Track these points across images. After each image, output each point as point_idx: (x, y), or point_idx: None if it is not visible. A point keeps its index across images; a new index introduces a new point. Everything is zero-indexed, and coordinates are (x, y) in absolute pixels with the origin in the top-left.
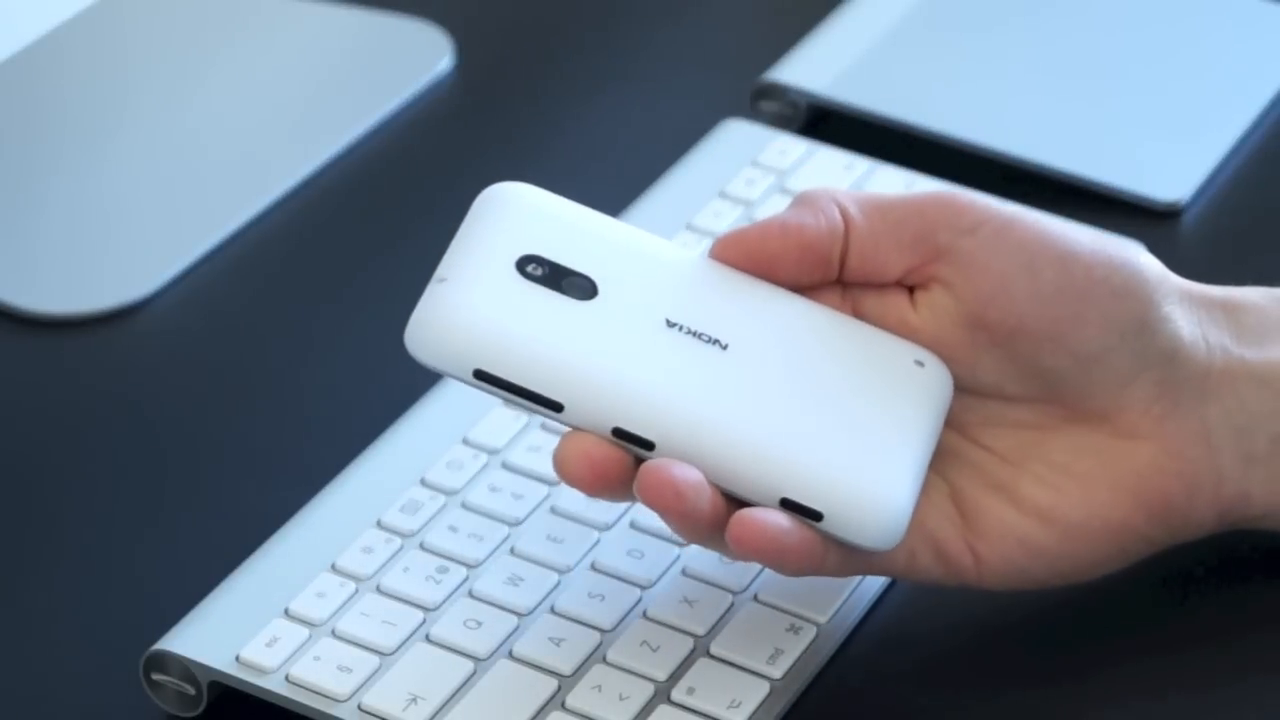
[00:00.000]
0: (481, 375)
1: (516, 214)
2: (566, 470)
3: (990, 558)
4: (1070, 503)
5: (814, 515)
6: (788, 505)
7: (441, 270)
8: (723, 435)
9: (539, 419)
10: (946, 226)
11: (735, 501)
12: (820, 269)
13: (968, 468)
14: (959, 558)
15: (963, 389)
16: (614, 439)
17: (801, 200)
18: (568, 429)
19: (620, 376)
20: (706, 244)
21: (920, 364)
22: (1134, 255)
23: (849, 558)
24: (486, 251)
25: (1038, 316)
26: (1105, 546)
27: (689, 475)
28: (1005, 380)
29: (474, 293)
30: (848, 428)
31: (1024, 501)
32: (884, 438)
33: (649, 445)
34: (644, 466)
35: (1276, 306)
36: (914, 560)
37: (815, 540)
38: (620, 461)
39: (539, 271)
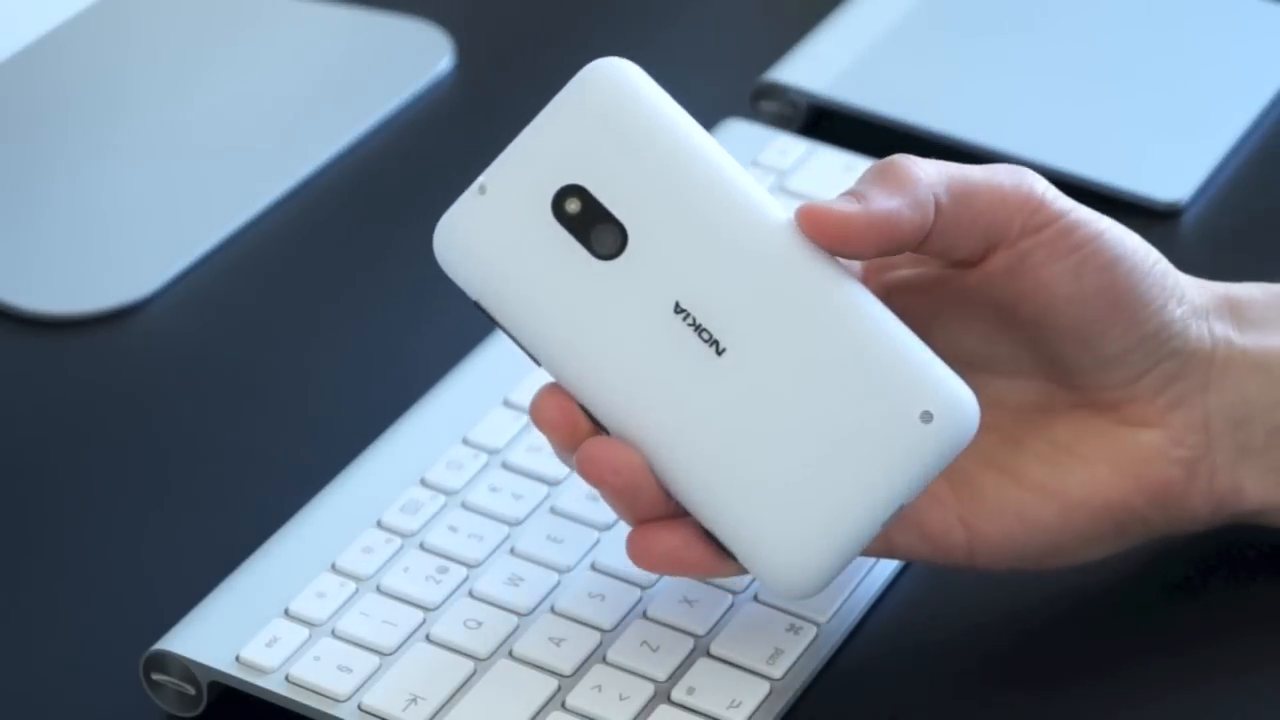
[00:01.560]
0: (479, 307)
1: (597, 113)
2: (542, 413)
3: (987, 532)
4: (1071, 479)
5: (730, 555)
6: (710, 536)
7: (487, 176)
8: (671, 452)
9: None
10: (1019, 225)
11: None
12: (896, 254)
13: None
14: (947, 536)
15: (974, 365)
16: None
17: (894, 178)
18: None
19: (599, 361)
20: (789, 203)
21: (928, 417)
22: (1156, 258)
23: None
24: (537, 168)
25: (1070, 316)
26: (1104, 525)
27: (628, 458)
28: (1020, 361)
29: (501, 221)
30: (802, 479)
31: (1024, 476)
32: (838, 497)
33: (604, 430)
34: (586, 442)
35: (1274, 300)
36: (892, 545)
37: (717, 560)
38: (589, 427)
39: (574, 208)
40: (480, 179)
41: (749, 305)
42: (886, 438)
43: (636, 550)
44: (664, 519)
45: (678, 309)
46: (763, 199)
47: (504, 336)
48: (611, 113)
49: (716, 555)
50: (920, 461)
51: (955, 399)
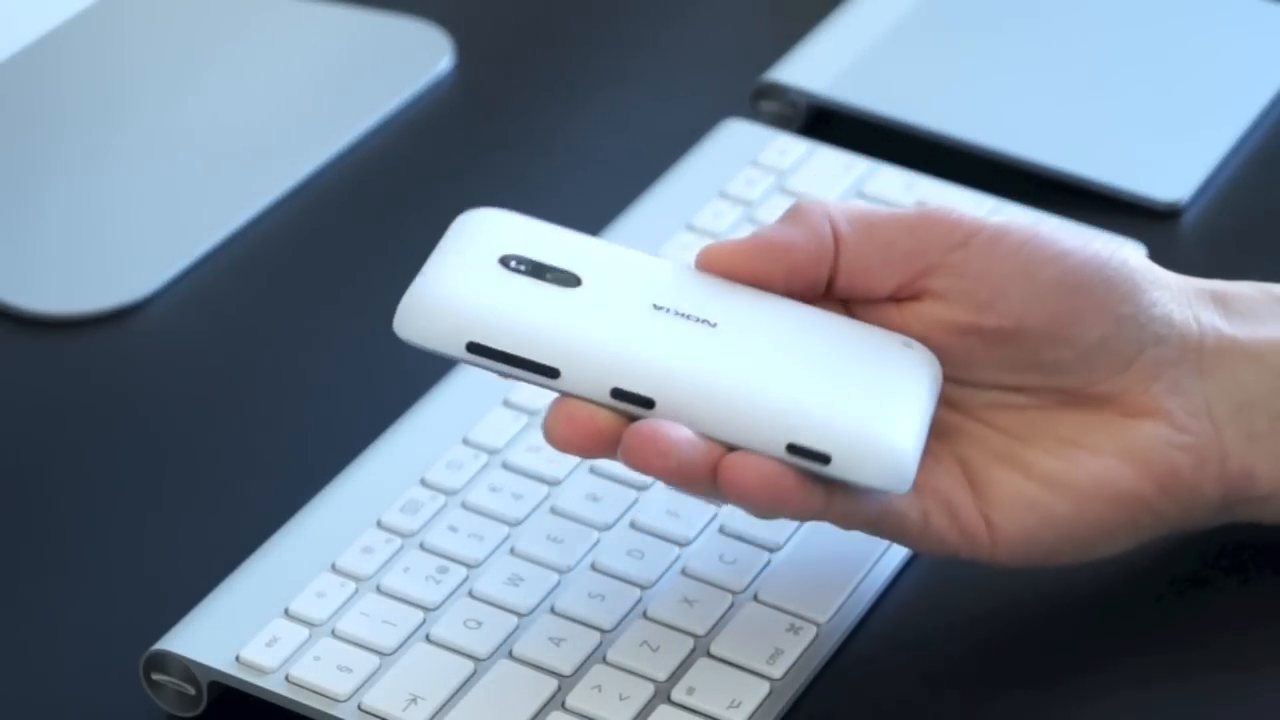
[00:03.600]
0: (475, 348)
1: (494, 229)
2: (556, 434)
3: (1004, 525)
4: (1080, 470)
5: (822, 458)
6: (795, 450)
7: (425, 269)
8: (725, 386)
9: (538, 421)
10: (937, 244)
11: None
12: (807, 289)
13: (975, 442)
14: (973, 524)
15: (964, 385)
16: (612, 401)
17: (794, 214)
18: (556, 395)
19: (615, 340)
20: (692, 253)
21: (908, 346)
22: (1119, 248)
23: (858, 508)
24: (468, 253)
25: (1036, 316)
26: (1116, 515)
27: (675, 431)
28: (1003, 376)
29: (461, 278)
30: (849, 379)
31: (1034, 470)
32: (886, 389)
33: (648, 403)
34: (629, 429)
35: (1263, 295)
36: (928, 523)
37: (811, 484)
38: (610, 422)
39: (522, 267)
40: (420, 273)
41: (715, 299)
42: (893, 358)
43: (732, 476)
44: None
45: (656, 308)
46: (663, 259)
47: (501, 379)
48: (503, 224)
49: (806, 483)
50: (927, 376)
51: (914, 340)
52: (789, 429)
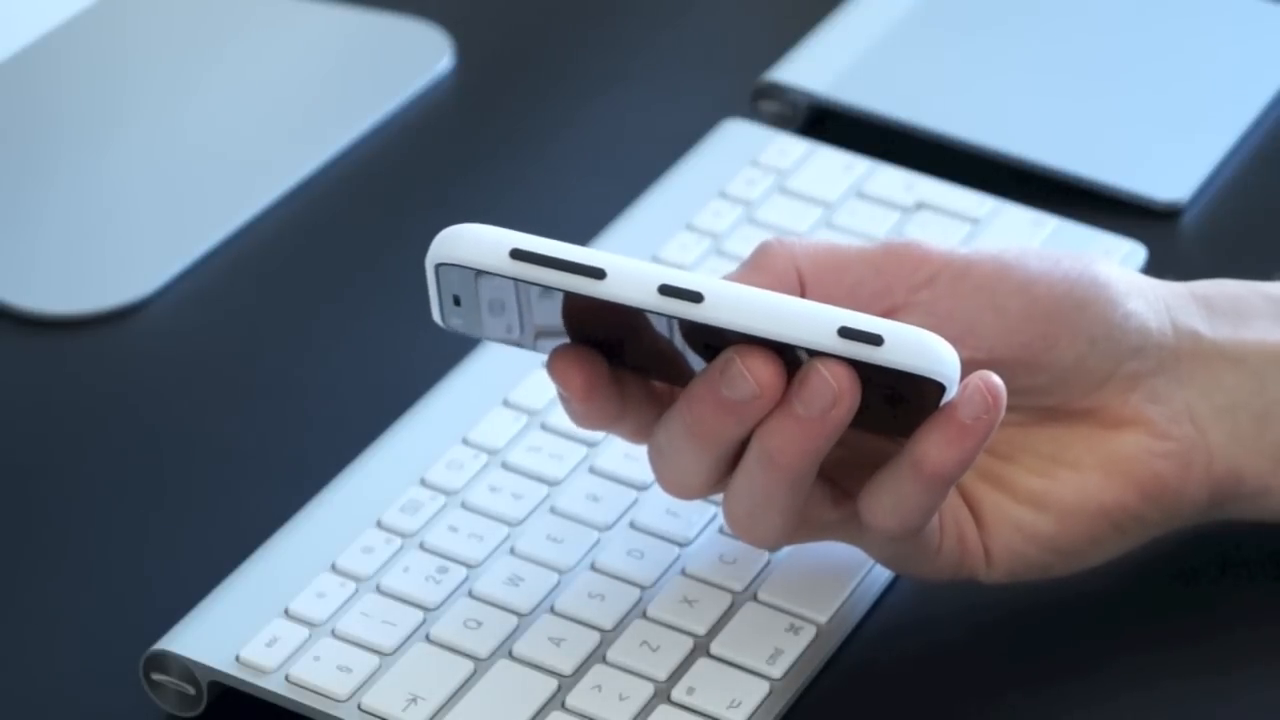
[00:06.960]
0: (519, 254)
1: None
2: (559, 370)
3: (993, 546)
4: (1063, 487)
5: (874, 339)
6: (847, 334)
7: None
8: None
9: (538, 421)
10: (903, 282)
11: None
12: None
13: None
14: (974, 545)
15: None
16: (659, 300)
17: (759, 257)
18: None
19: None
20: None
21: None
22: (1088, 264)
23: (897, 551)
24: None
25: (1008, 346)
26: (1102, 527)
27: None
28: None
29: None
30: None
31: (1018, 489)
32: None
33: (697, 297)
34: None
35: (1249, 292)
36: (941, 545)
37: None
38: (608, 373)
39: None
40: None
41: None
42: None
43: (821, 381)
44: None
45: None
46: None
47: (538, 298)
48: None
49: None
50: None
51: None
52: (839, 314)
